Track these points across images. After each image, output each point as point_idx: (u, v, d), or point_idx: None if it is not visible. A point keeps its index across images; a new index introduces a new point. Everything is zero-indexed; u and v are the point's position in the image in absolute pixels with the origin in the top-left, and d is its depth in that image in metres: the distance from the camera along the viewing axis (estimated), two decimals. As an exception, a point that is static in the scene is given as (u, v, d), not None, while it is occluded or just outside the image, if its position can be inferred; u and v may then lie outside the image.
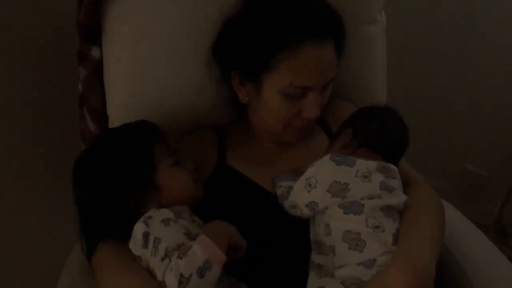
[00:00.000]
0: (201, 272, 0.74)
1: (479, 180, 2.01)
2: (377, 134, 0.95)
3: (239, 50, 0.99)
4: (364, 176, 0.87)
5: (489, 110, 1.88)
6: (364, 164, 0.88)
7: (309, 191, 0.88)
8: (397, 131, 0.96)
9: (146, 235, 0.80)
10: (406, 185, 0.94)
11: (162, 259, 0.77)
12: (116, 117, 1.12)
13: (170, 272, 0.75)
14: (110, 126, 1.14)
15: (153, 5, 1.06)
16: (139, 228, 0.82)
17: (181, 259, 0.75)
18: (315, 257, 0.89)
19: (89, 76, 1.13)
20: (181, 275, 0.73)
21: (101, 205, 0.87)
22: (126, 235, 0.85)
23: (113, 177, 0.87)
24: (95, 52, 1.11)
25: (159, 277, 0.76)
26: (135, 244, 0.82)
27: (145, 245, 0.80)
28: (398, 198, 0.88)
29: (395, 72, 1.28)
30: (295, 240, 0.92)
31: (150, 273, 0.80)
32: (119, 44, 1.08)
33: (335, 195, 0.86)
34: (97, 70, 1.12)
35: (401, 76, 1.42)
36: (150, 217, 0.83)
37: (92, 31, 1.08)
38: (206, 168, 1.02)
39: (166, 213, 0.84)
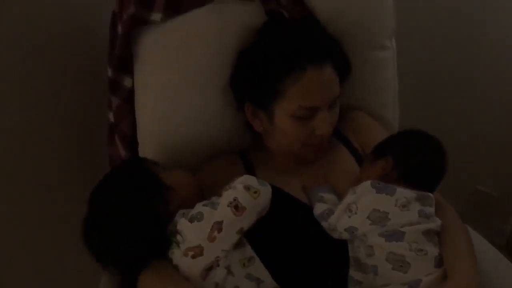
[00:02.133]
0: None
1: (491, 200, 2.04)
2: (419, 171, 0.95)
3: (251, 81, 1.07)
4: (403, 206, 0.89)
5: (499, 132, 1.91)
6: (404, 193, 0.91)
7: (349, 216, 0.92)
8: (439, 165, 0.97)
9: (192, 215, 0.89)
10: None
11: (227, 189, 0.88)
12: (146, 142, 1.18)
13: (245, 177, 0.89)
14: (140, 151, 1.19)
15: (183, 37, 1.13)
16: (182, 222, 0.89)
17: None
18: (354, 273, 0.93)
19: (121, 104, 1.20)
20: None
21: (134, 222, 0.90)
22: (163, 248, 0.90)
23: (132, 199, 0.92)
24: (127, 82, 1.18)
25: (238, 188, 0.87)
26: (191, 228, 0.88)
27: (200, 215, 0.88)
28: (435, 223, 0.92)
29: (406, 95, 1.35)
30: (334, 252, 0.97)
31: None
32: (150, 72, 1.15)
33: (375, 222, 0.89)
34: (128, 98, 1.19)
35: (412, 99, 1.48)
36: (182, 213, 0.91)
37: (125, 61, 1.16)
38: None
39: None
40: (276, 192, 0.97)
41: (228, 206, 0.85)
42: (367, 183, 0.93)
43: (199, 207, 0.90)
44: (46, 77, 1.24)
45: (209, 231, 0.85)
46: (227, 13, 1.13)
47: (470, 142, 1.94)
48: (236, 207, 0.85)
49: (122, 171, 1.00)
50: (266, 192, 0.89)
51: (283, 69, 1.01)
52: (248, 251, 0.91)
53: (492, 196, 2.04)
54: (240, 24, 1.13)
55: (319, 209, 0.98)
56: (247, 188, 0.87)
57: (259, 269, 0.90)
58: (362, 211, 0.91)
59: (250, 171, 1.13)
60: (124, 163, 1.05)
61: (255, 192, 0.87)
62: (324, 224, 0.96)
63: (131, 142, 1.22)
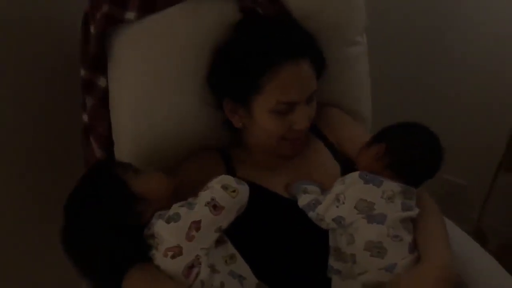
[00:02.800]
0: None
1: (459, 189, 2.10)
2: (409, 165, 0.97)
3: (229, 77, 1.08)
4: (388, 198, 0.93)
5: (465, 122, 1.98)
6: (390, 186, 0.94)
7: (337, 206, 0.94)
8: (430, 164, 0.98)
9: (169, 216, 0.88)
10: None
11: (205, 189, 0.89)
12: (122, 142, 1.17)
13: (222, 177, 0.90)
14: (116, 151, 1.18)
15: (158, 35, 1.13)
16: (158, 223, 0.89)
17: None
18: (334, 263, 0.96)
19: (96, 105, 1.19)
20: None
21: (107, 238, 0.90)
22: (143, 254, 0.90)
23: (103, 213, 0.90)
24: (102, 82, 1.17)
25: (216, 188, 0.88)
26: (167, 231, 0.88)
27: (177, 215, 0.88)
28: (414, 212, 0.95)
29: (377, 87, 1.38)
30: (314, 245, 0.99)
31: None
32: (125, 72, 1.14)
33: (361, 212, 0.92)
34: (103, 99, 1.18)
35: (382, 92, 1.51)
36: (159, 214, 0.91)
37: (99, 61, 1.14)
38: None
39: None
40: (256, 189, 0.99)
41: (206, 205, 0.86)
42: (355, 174, 0.96)
43: (175, 208, 0.90)
44: (18, 77, 1.22)
45: (187, 230, 0.85)
46: (202, 10, 1.13)
47: (438, 132, 1.98)
48: (215, 206, 0.86)
49: (94, 182, 0.96)
50: (244, 191, 0.90)
51: (261, 64, 1.01)
52: (230, 248, 0.92)
53: (460, 184, 2.10)
54: (215, 22, 1.13)
55: (304, 199, 0.99)
56: (225, 187, 0.87)
57: (241, 266, 0.92)
58: (350, 201, 0.93)
59: (230, 167, 1.13)
60: (94, 170, 1.01)
61: (233, 191, 0.87)
62: (312, 214, 0.97)
63: (107, 142, 1.20)
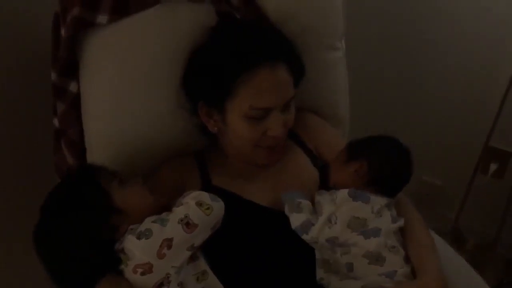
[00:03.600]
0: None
1: (435, 189, 2.12)
2: (390, 178, 0.99)
3: (203, 80, 1.05)
4: (378, 212, 0.94)
5: (441, 125, 1.99)
6: (377, 200, 0.95)
7: (329, 228, 0.94)
8: (407, 175, 1.01)
9: (141, 232, 0.86)
10: None
11: (179, 205, 0.87)
12: (94, 148, 1.14)
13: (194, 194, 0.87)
14: (88, 157, 1.15)
15: (130, 39, 1.10)
16: (129, 238, 0.86)
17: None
18: (324, 275, 0.95)
19: (67, 110, 1.15)
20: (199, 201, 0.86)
21: (78, 248, 0.88)
22: (112, 267, 0.88)
23: (78, 221, 0.88)
24: (73, 87, 1.13)
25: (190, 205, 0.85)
26: (138, 249, 0.85)
27: (149, 231, 0.85)
28: (401, 222, 0.97)
29: (355, 91, 1.37)
30: (297, 255, 0.97)
31: None
32: (97, 77, 1.11)
33: (355, 230, 0.92)
34: (74, 104, 1.14)
35: (360, 95, 1.51)
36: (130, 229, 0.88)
37: (70, 66, 1.11)
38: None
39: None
40: (231, 198, 0.97)
41: (178, 223, 0.84)
42: (344, 192, 0.96)
43: (148, 223, 0.87)
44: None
45: (158, 248, 0.83)
46: (176, 13, 1.11)
47: (415, 134, 2.00)
48: (188, 224, 0.83)
49: (75, 187, 0.93)
50: (219, 208, 0.87)
51: (235, 67, 0.98)
52: (202, 264, 0.90)
53: (437, 185, 2.12)
54: (190, 25, 1.11)
55: (297, 220, 0.97)
56: (199, 204, 0.85)
57: (213, 283, 0.89)
58: (342, 220, 0.93)
59: (205, 173, 1.11)
60: (77, 174, 0.98)
61: (208, 208, 0.85)
62: (305, 237, 0.96)
63: (79, 148, 1.17)
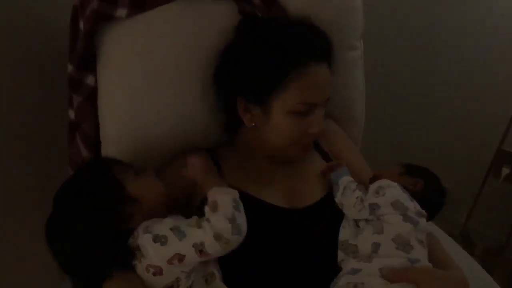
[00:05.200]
0: (237, 207, 0.86)
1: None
2: (430, 207, 1.02)
3: (245, 76, 1.04)
4: (416, 212, 0.97)
5: (450, 125, 1.99)
6: (417, 204, 0.99)
7: (376, 197, 0.98)
8: (438, 210, 1.06)
9: (157, 236, 0.85)
10: None
11: (199, 226, 0.84)
12: (110, 142, 1.13)
13: (218, 219, 0.83)
14: (103, 151, 1.14)
15: (149, 35, 1.09)
16: (146, 237, 0.85)
17: (217, 209, 0.84)
18: (343, 256, 0.97)
19: (83, 103, 1.15)
20: (228, 216, 0.83)
21: (93, 238, 0.87)
22: (126, 261, 0.87)
23: (91, 211, 0.88)
24: (90, 80, 1.13)
25: (208, 234, 0.82)
26: (150, 254, 0.85)
27: (165, 238, 0.84)
28: (430, 229, 1.02)
29: (369, 92, 1.37)
30: (316, 255, 0.97)
31: None
32: (115, 71, 1.10)
33: (396, 209, 0.96)
34: (91, 97, 1.14)
35: (374, 97, 1.50)
36: (146, 226, 0.87)
37: (88, 59, 1.10)
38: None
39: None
40: (244, 198, 0.95)
41: (193, 246, 0.83)
42: (394, 183, 1.02)
43: (166, 229, 0.85)
44: (3, 73, 1.18)
45: (170, 257, 0.83)
46: (197, 9, 1.10)
47: (427, 136, 2.00)
48: (201, 251, 0.82)
49: (88, 177, 0.94)
50: (236, 241, 0.85)
51: (287, 63, 0.99)
52: (211, 265, 0.89)
53: (447, 189, 2.10)
54: (211, 21, 1.10)
55: (346, 180, 1.05)
56: (218, 237, 0.82)
57: (218, 286, 0.89)
58: (390, 195, 0.98)
59: (218, 171, 1.09)
60: (92, 165, 0.99)
61: (226, 243, 0.83)
62: (349, 192, 1.02)
63: (94, 142, 1.16)
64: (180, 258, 0.82)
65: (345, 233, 0.99)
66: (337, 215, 1.03)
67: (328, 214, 1.03)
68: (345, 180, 1.05)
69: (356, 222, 1.00)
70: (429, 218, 1.01)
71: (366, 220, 0.98)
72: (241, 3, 1.11)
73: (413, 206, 0.97)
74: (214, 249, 0.82)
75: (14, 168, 1.27)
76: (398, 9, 1.80)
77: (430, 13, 1.82)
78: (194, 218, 0.87)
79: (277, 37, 1.02)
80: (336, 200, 1.04)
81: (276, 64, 0.99)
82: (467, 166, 2.02)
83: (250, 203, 0.93)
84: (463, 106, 1.93)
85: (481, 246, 2.01)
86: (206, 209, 0.86)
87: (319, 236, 0.98)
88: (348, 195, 1.02)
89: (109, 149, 1.13)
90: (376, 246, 0.93)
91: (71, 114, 1.19)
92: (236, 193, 0.88)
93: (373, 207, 0.97)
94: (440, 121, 1.99)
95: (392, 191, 0.99)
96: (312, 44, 1.02)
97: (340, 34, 1.19)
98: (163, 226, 0.86)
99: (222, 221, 0.83)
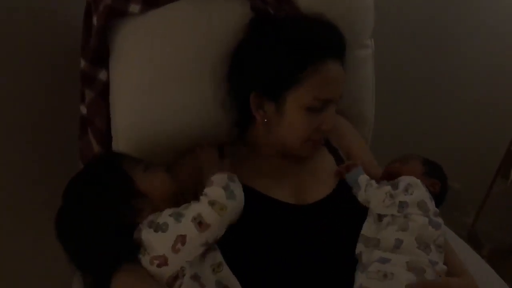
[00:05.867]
0: (232, 179, 0.89)
1: (453, 193, 2.10)
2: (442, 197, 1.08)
3: (262, 70, 1.04)
4: (434, 212, 1.00)
5: (458, 125, 1.98)
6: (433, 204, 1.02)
7: (405, 195, 1.00)
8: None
9: (158, 225, 0.86)
10: None
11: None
12: (121, 137, 1.14)
13: (213, 188, 0.87)
14: (114, 146, 1.15)
15: (163, 30, 1.10)
16: (148, 230, 0.86)
17: (212, 184, 0.88)
18: (362, 248, 0.97)
19: (95, 98, 1.16)
20: (221, 185, 0.86)
21: (102, 232, 0.88)
22: (133, 254, 0.88)
23: (100, 204, 0.89)
24: (102, 75, 1.14)
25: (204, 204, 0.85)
26: (153, 241, 0.86)
27: (165, 225, 0.85)
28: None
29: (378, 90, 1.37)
30: (318, 247, 0.96)
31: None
32: (127, 67, 1.11)
33: (420, 209, 0.97)
34: (103, 92, 1.15)
35: (383, 95, 1.50)
36: (151, 221, 0.88)
37: (101, 54, 1.11)
38: None
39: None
40: (252, 194, 0.96)
41: (191, 221, 0.83)
42: (420, 181, 1.03)
43: (165, 216, 0.87)
44: (15, 67, 1.19)
45: (172, 243, 0.83)
46: (210, 6, 1.11)
47: (436, 136, 1.99)
48: (200, 223, 0.83)
49: (98, 172, 0.95)
50: (234, 207, 0.86)
51: (305, 58, 0.99)
52: (219, 256, 0.89)
53: (455, 189, 2.09)
54: (223, 18, 1.11)
55: (365, 178, 1.07)
56: (212, 203, 0.84)
57: (227, 276, 0.88)
58: (415, 196, 0.99)
59: None
60: (102, 160, 1.01)
61: (222, 209, 0.84)
62: (372, 189, 1.03)
63: (105, 137, 1.17)
64: (182, 239, 0.83)
65: (368, 227, 1.00)
66: (346, 210, 1.03)
67: (337, 209, 1.03)
68: (364, 179, 1.06)
69: (380, 216, 1.01)
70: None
71: (392, 216, 0.99)
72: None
73: (433, 206, 0.99)
74: (212, 217, 0.83)
75: (23, 163, 1.29)
76: (408, 8, 1.80)
77: (441, 13, 1.82)
78: (192, 202, 0.88)
79: (295, 32, 1.02)
80: (360, 198, 1.05)
81: (294, 59, 1.00)
82: (475, 167, 2.01)
83: (258, 200, 0.94)
84: (472, 107, 1.93)
85: (489, 247, 2.00)
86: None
87: (328, 231, 0.97)
88: (372, 192, 1.03)
89: (120, 144, 1.14)
90: (399, 242, 0.94)
91: (83, 109, 1.20)
92: (234, 175, 0.91)
93: (402, 205, 0.99)
94: (448, 121, 1.98)
95: (419, 191, 1.01)
96: (330, 40, 1.02)
97: (351, 32, 1.17)
98: (163, 215, 0.88)
99: (216, 189, 0.86)
